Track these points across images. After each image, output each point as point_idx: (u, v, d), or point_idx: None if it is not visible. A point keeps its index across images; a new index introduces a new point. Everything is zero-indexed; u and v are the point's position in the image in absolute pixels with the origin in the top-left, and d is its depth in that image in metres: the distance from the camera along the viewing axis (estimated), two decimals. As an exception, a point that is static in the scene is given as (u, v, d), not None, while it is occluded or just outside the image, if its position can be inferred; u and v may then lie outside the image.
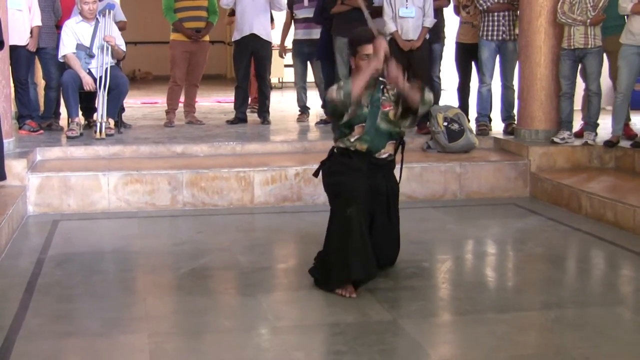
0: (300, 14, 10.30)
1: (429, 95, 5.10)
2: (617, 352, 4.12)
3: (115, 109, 8.82)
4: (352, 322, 4.49)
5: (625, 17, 7.82)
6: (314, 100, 11.09)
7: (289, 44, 11.20)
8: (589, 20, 7.88)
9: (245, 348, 4.15)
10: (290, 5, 10.53)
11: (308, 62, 10.56)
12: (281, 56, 11.68)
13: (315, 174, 5.37)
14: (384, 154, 5.16)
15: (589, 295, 5.08)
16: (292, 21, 10.62)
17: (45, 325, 4.47)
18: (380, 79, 5.18)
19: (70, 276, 5.35)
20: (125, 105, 9.77)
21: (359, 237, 4.84)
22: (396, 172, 5.33)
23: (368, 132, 5.08)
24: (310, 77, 10.64)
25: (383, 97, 5.16)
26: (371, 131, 5.08)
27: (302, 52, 10.39)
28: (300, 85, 10.63)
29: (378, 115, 5.11)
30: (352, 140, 5.12)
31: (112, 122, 8.72)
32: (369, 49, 5.06)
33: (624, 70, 7.81)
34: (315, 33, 10.16)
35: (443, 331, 4.56)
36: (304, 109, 10.61)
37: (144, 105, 12.83)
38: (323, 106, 10.29)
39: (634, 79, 7.89)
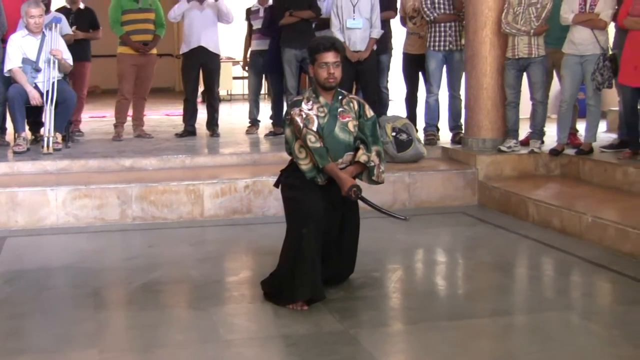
0: (257, 24, 10.26)
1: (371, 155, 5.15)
2: (568, 357, 4.15)
3: (63, 123, 8.71)
4: (305, 334, 4.48)
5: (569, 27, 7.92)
6: (264, 112, 11.05)
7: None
8: (532, 31, 7.97)
9: (199, 362, 4.13)
10: (248, 17, 10.53)
11: (263, 75, 10.56)
12: (244, 69, 11.27)
13: (276, 184, 5.30)
14: (342, 164, 5.10)
15: (538, 302, 5.11)
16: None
17: (-6, 343, 4.40)
18: (339, 89, 5.19)
19: (19, 293, 5.27)
20: (73, 119, 9.67)
21: (309, 258, 4.82)
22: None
23: (325, 141, 5.04)
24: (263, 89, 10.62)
25: (341, 109, 5.15)
26: (328, 140, 5.05)
27: (257, 63, 10.35)
28: (253, 98, 10.57)
29: (336, 124, 5.10)
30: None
31: (59, 136, 8.62)
32: (328, 56, 5.04)
33: (567, 79, 7.92)
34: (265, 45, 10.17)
35: (396, 340, 4.56)
36: (254, 122, 10.56)
37: (92, 119, 12.70)
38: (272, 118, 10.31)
39: (577, 87, 8.00)
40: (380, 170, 5.17)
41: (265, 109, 11.15)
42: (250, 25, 10.48)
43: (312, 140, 4.93)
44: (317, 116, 5.02)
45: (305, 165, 5.02)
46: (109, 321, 4.80)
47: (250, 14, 10.41)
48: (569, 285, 5.59)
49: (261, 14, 10.18)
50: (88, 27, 10.07)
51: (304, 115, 4.99)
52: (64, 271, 5.89)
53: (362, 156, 5.08)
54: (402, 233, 6.83)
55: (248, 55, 10.70)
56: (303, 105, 5.06)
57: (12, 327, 4.67)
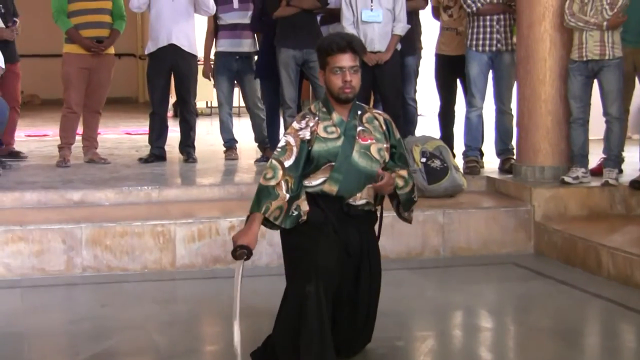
0: (227, 18, 10.18)
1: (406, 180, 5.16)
2: None
3: (-8, 143, 8.76)
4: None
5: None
6: (244, 130, 11.07)
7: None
8: (605, 24, 7.96)
9: None
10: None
11: (235, 82, 10.56)
12: (207, 77, 10.76)
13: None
14: (360, 199, 5.07)
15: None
16: (216, 28, 10.41)
17: None
18: (357, 102, 5.17)
19: None
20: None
21: (316, 324, 4.70)
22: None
23: (339, 169, 4.99)
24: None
25: (361, 128, 5.11)
26: (343, 168, 5.00)
27: (229, 68, 10.33)
28: (226, 112, 10.54)
29: (354, 148, 5.06)
30: (313, 183, 5.05)
31: (-13, 161, 8.66)
32: (343, 59, 5.01)
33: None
34: (247, 44, 10.21)
35: None
36: (231, 143, 10.56)
37: (29, 138, 12.74)
38: (260, 142, 10.32)
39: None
40: (414, 202, 5.23)
41: (244, 125, 11.15)
42: (214, 19, 10.35)
43: (267, 176, 4.94)
44: (327, 139, 5.00)
45: (316, 180, 5.07)
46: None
47: (217, 4, 10.15)
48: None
49: (235, 5, 10.04)
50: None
51: (288, 141, 5.02)
52: (-11, 338, 5.89)
53: (400, 178, 5.10)
54: (433, 289, 6.84)
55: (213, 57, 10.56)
56: (295, 124, 5.08)
57: None
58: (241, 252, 4.83)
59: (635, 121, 9.59)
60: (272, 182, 4.89)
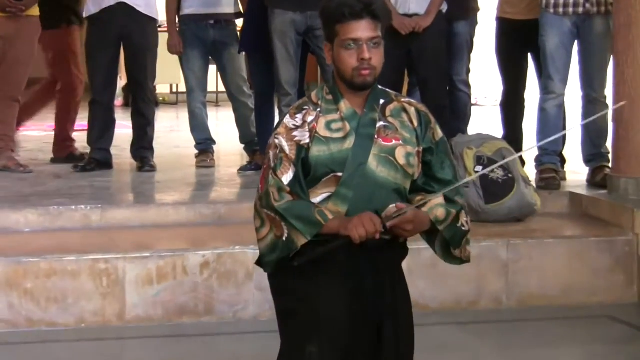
0: None
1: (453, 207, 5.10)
2: None
3: None
4: None
5: None
6: (224, 125, 11.11)
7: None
8: None
9: None
10: None
11: (210, 57, 10.66)
12: (173, 51, 10.65)
13: (259, 263, 5.25)
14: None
15: None
16: None
17: None
18: (379, 87, 5.14)
19: None
20: None
21: None
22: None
23: (349, 182, 4.91)
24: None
25: (383, 123, 5.07)
26: (355, 181, 4.95)
27: (202, 38, 10.43)
28: (198, 100, 10.62)
29: (370, 152, 5.04)
30: (315, 200, 5.03)
31: None
32: (358, 28, 4.97)
33: None
34: (227, 3, 10.31)
35: None
36: (206, 145, 10.66)
37: None
38: (247, 143, 10.35)
39: None
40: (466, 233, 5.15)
41: (225, 119, 11.19)
42: None
43: (276, 198, 4.89)
44: (329, 139, 4.95)
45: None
46: None
47: None
48: None
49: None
50: None
51: (281, 146, 4.96)
52: None
53: (438, 208, 5.03)
54: (492, 356, 6.85)
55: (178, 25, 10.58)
56: (287, 120, 4.99)
57: None
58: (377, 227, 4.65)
59: None
60: (289, 198, 4.78)
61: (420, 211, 4.71)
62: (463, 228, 4.92)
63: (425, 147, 4.91)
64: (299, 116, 4.83)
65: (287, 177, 4.72)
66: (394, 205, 4.68)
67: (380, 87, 4.98)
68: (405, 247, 5.04)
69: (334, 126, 4.81)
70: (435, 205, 4.83)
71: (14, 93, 10.10)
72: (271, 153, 4.78)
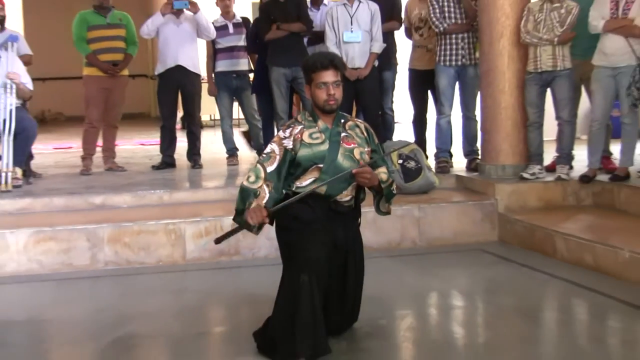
0: (225, 42, 10.30)
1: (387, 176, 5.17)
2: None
3: (23, 156, 8.73)
4: (303, 393, 4.46)
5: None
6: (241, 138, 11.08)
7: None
8: (556, 39, 7.98)
9: None
10: None
11: (234, 97, 10.57)
12: (211, 94, 10.58)
13: (270, 221, 5.24)
14: (345, 196, 5.12)
15: (570, 352, 5.08)
16: (215, 51, 10.45)
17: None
18: (340, 112, 5.18)
19: (-28, 352, 5.26)
20: (34, 151, 9.70)
21: (309, 309, 4.70)
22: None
23: (327, 171, 5.01)
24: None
25: (345, 134, 5.16)
26: (330, 170, 5.01)
27: (228, 85, 10.38)
28: (227, 124, 10.60)
29: (339, 151, 5.11)
30: (304, 184, 5.07)
31: (19, 171, 8.62)
32: (326, 75, 5.03)
33: (598, 95, 7.88)
34: (243, 63, 10.35)
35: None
36: (233, 151, 10.63)
37: (56, 150, 12.73)
38: (258, 150, 10.31)
39: (610, 104, 7.95)
40: (394, 195, 5.23)
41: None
42: (213, 43, 10.39)
43: (250, 180, 4.99)
44: (312, 144, 5.03)
45: (305, 181, 5.08)
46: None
47: (215, 30, 10.23)
48: (605, 332, 5.55)
49: (231, 30, 10.20)
50: None
51: (271, 150, 5.06)
52: (26, 326, 5.86)
53: (382, 174, 5.11)
54: (411, 275, 6.83)
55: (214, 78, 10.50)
56: (280, 133, 5.10)
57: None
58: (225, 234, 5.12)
59: (583, 124, 9.60)
60: (254, 186, 4.95)
61: (371, 170, 4.98)
62: (394, 192, 5.21)
63: (373, 148, 5.22)
64: (288, 131, 5.15)
65: (270, 168, 4.97)
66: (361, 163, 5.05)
67: (340, 112, 5.12)
68: (359, 210, 5.27)
69: (314, 136, 5.09)
70: (381, 172, 5.11)
71: (114, 122, 10.07)
72: (267, 150, 5.09)
